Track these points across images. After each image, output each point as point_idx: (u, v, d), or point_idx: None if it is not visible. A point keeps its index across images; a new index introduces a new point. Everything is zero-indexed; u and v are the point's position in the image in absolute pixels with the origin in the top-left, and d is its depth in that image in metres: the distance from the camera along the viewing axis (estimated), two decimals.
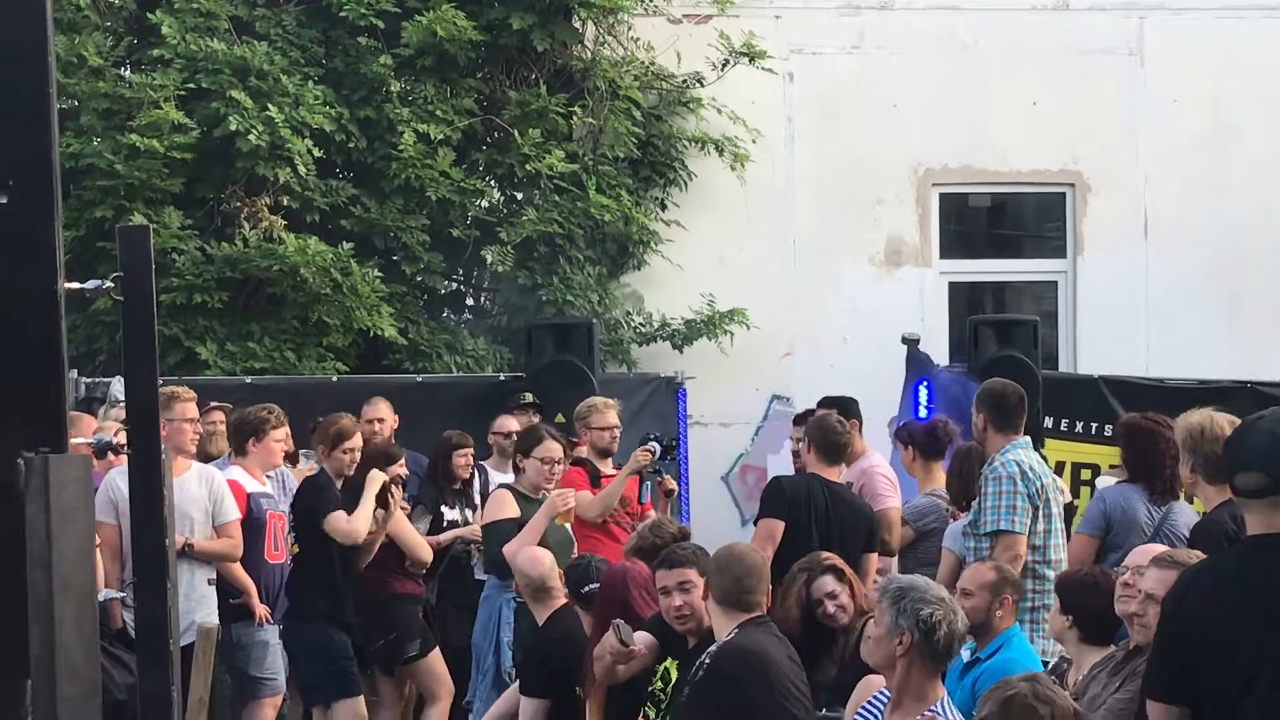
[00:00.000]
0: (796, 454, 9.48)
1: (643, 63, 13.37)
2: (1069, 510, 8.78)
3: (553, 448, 9.08)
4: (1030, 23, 13.89)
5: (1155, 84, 13.92)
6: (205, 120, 12.16)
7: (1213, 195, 13.85)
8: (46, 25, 2.49)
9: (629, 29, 13.46)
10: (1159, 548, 6.50)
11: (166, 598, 4.91)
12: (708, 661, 5.90)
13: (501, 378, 12.09)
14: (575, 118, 12.90)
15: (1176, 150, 13.87)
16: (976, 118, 13.79)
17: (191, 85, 12.22)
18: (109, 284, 4.70)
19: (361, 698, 9.10)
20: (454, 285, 13.72)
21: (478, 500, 10.08)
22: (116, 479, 8.30)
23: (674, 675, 6.42)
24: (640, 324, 13.27)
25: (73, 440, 2.74)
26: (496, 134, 13.11)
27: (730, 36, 13.36)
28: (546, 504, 8.75)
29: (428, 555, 9.46)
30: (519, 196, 13.31)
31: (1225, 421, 6.28)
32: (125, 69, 12.85)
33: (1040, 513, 7.85)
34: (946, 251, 14.10)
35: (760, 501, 8.62)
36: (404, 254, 12.77)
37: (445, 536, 9.84)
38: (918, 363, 12.01)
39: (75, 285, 4.31)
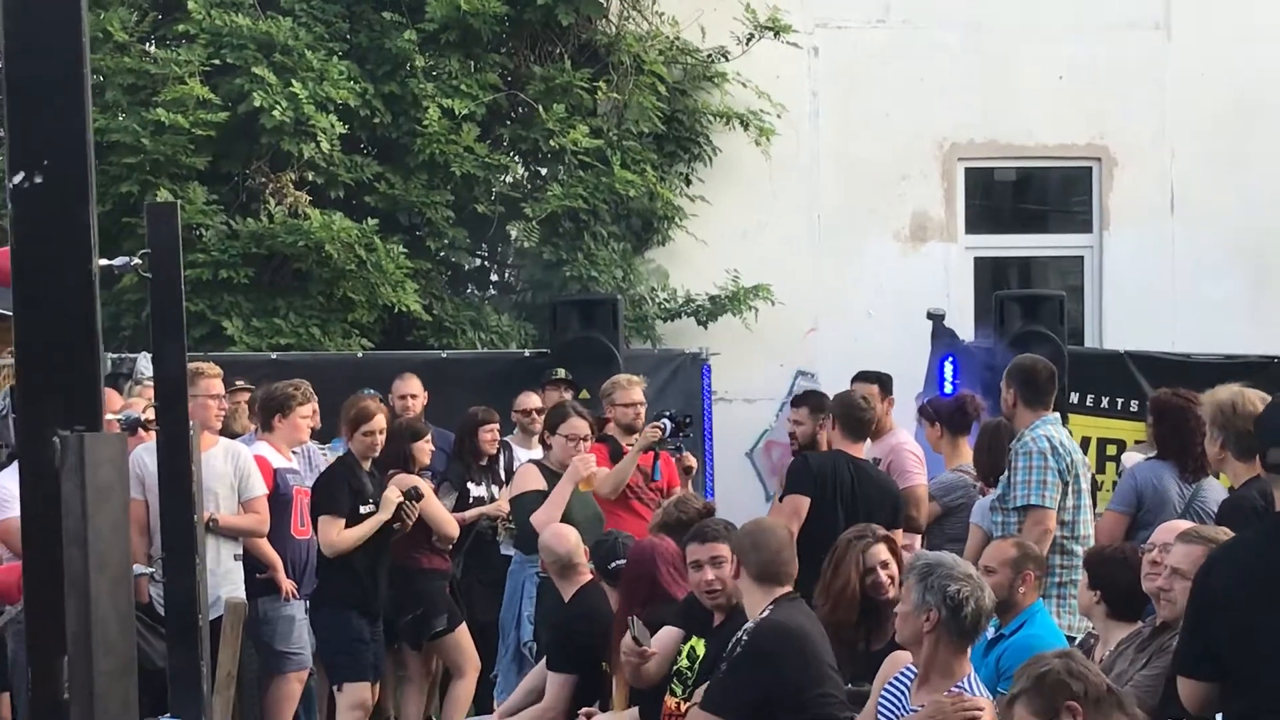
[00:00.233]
0: (793, 435, 9.38)
1: (667, 37, 13.34)
2: (1093, 486, 8.76)
3: (578, 424, 9.08)
4: None
5: (1182, 58, 13.85)
6: (230, 96, 12.18)
7: (1239, 170, 13.78)
8: (80, 4, 2.49)
9: (653, 3, 13.42)
10: (1184, 524, 6.46)
11: (195, 573, 4.94)
12: (745, 638, 5.88)
13: (526, 354, 12.10)
14: (600, 92, 12.88)
15: (1203, 125, 13.80)
16: (1002, 91, 13.74)
17: (216, 61, 12.25)
18: (137, 261, 4.71)
19: (368, 683, 9.10)
20: (478, 261, 13.71)
21: (503, 476, 10.10)
22: (143, 455, 8.29)
23: (700, 652, 6.41)
24: (665, 300, 13.25)
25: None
26: (521, 109, 13.10)
27: (755, 10, 13.30)
28: (570, 469, 8.78)
29: (455, 531, 9.47)
30: (543, 172, 13.30)
31: (1257, 398, 6.27)
32: (150, 44, 12.89)
33: (1070, 488, 7.85)
34: (972, 226, 14.06)
35: (785, 478, 8.60)
36: (428, 230, 12.77)
37: (470, 514, 9.86)
38: (943, 338, 11.97)
39: (105, 262, 4.33)
